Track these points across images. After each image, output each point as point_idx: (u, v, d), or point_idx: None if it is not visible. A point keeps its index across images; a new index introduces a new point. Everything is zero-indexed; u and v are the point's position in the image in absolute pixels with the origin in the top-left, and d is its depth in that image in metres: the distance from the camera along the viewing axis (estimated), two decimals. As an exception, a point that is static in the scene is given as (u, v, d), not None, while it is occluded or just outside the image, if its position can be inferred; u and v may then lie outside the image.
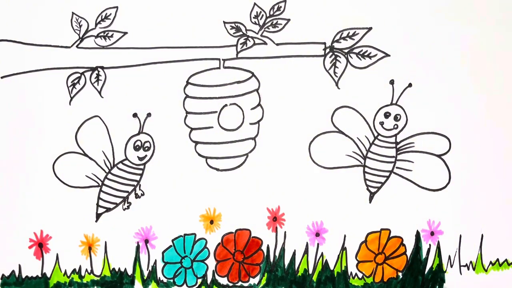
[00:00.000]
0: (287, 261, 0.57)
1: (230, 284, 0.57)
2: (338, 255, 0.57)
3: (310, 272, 0.57)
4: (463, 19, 0.57)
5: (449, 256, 0.57)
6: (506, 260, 0.57)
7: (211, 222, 0.57)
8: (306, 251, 0.57)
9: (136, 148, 0.57)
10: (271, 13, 0.57)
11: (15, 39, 0.58)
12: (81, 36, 0.58)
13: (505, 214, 0.57)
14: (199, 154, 0.57)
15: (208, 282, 0.57)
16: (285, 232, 0.57)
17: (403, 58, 0.57)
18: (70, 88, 0.57)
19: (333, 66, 0.57)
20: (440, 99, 0.57)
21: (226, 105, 0.57)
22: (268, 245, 0.57)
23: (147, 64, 0.57)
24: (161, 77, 0.57)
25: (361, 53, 0.57)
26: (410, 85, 0.57)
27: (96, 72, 0.57)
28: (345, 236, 0.57)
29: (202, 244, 0.57)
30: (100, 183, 0.57)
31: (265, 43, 0.57)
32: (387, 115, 0.57)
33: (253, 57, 0.57)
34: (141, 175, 0.57)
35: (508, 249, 0.57)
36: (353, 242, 0.57)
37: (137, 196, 0.57)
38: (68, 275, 0.57)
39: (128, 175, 0.57)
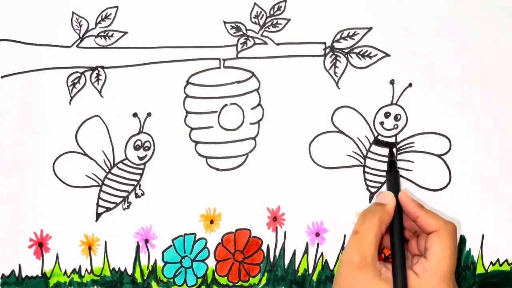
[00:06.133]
0: (287, 261, 0.57)
1: (230, 284, 0.57)
2: (338, 255, 0.57)
3: (310, 272, 0.57)
4: (463, 19, 0.57)
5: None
6: (506, 260, 0.57)
7: (211, 222, 0.57)
8: (306, 251, 0.57)
9: (136, 148, 0.57)
10: (271, 13, 0.57)
11: (15, 39, 0.58)
12: (81, 35, 0.58)
13: (505, 214, 0.57)
14: (199, 154, 0.57)
15: (208, 282, 0.57)
16: (285, 232, 0.57)
17: (403, 58, 0.57)
18: (70, 88, 0.57)
19: (333, 66, 0.57)
20: (440, 99, 0.57)
21: (226, 105, 0.57)
22: (268, 245, 0.57)
23: (147, 64, 0.57)
24: (161, 77, 0.57)
25: (361, 53, 0.57)
26: (410, 85, 0.57)
27: (96, 72, 0.57)
28: (345, 236, 0.57)
29: (202, 244, 0.57)
30: (100, 182, 0.57)
31: (265, 43, 0.57)
32: (387, 115, 0.57)
33: (253, 57, 0.57)
34: (141, 175, 0.57)
35: (508, 249, 0.57)
36: (353, 242, 0.57)
37: (137, 196, 0.57)
38: (68, 275, 0.57)
39: (128, 175, 0.57)
